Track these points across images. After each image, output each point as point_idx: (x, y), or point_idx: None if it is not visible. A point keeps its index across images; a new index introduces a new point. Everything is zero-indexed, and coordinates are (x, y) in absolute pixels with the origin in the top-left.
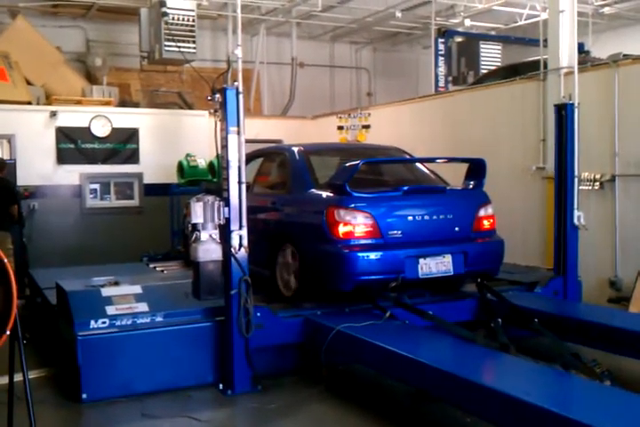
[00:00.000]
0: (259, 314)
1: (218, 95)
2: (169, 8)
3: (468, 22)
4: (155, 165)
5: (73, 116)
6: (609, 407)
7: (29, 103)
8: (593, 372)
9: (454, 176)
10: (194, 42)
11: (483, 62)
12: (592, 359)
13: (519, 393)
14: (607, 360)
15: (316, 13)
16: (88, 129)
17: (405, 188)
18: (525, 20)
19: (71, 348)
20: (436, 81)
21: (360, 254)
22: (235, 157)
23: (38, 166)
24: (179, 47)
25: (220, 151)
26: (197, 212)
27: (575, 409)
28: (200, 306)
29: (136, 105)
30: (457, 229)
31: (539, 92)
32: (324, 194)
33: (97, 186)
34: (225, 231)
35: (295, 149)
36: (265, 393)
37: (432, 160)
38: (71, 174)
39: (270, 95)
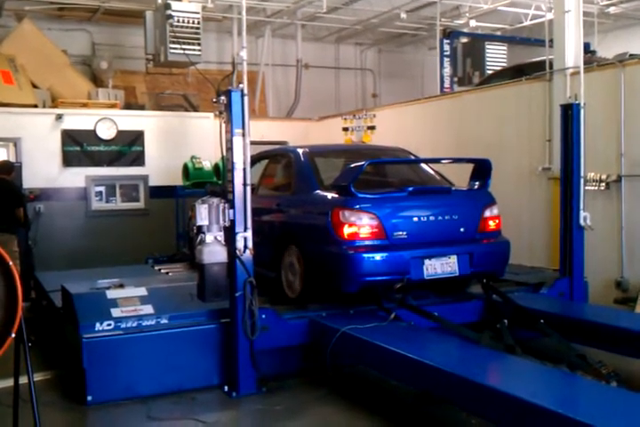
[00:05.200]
0: (264, 316)
1: (223, 97)
2: (174, 11)
3: (473, 23)
4: (160, 167)
5: (79, 119)
6: (615, 408)
7: (35, 106)
8: (599, 373)
9: (460, 177)
10: (199, 44)
11: (488, 63)
12: (598, 360)
13: (525, 394)
14: (613, 361)
15: (321, 15)
16: (94, 132)
17: (410, 188)
18: (531, 20)
19: (76, 350)
20: (442, 82)
21: (365, 255)
22: (240, 159)
23: (44, 169)
24: (184, 49)
25: (225, 153)
26: (202, 214)
27: (581, 410)
28: (205, 308)
29: (141, 107)
30: (462, 229)
31: (544, 93)
32: (329, 195)
33: (102, 188)
34: (230, 233)
35: (300, 151)
36: (270, 395)
37: (437, 161)
38: (77, 177)
39: (275, 97)
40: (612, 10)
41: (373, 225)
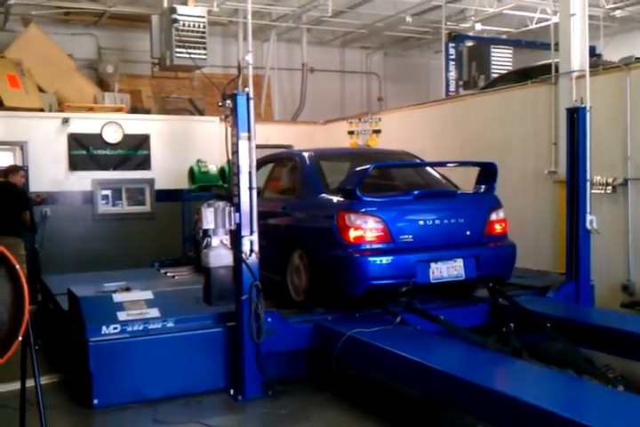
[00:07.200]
0: (269, 319)
1: (229, 101)
2: (180, 15)
3: (478, 26)
4: (166, 170)
5: (85, 123)
6: (622, 413)
7: (42, 110)
8: (606, 377)
9: (465, 180)
10: (204, 48)
11: (494, 66)
12: (605, 364)
13: (531, 399)
14: (620, 365)
15: (327, 19)
16: (100, 135)
17: (416, 192)
18: (536, 23)
19: (83, 353)
20: (447, 85)
21: (371, 259)
22: (245, 162)
23: (50, 173)
24: (189, 54)
25: (230, 157)
26: (208, 217)
27: (588, 415)
28: (211, 311)
29: (147, 111)
30: (468, 233)
31: (550, 96)
32: (335, 199)
33: (109, 192)
34: (236, 237)
35: (306, 154)
36: (276, 399)
37: (443, 164)
38: (83, 180)
39: (281, 101)
40: (617, 13)
41: (379, 228)
